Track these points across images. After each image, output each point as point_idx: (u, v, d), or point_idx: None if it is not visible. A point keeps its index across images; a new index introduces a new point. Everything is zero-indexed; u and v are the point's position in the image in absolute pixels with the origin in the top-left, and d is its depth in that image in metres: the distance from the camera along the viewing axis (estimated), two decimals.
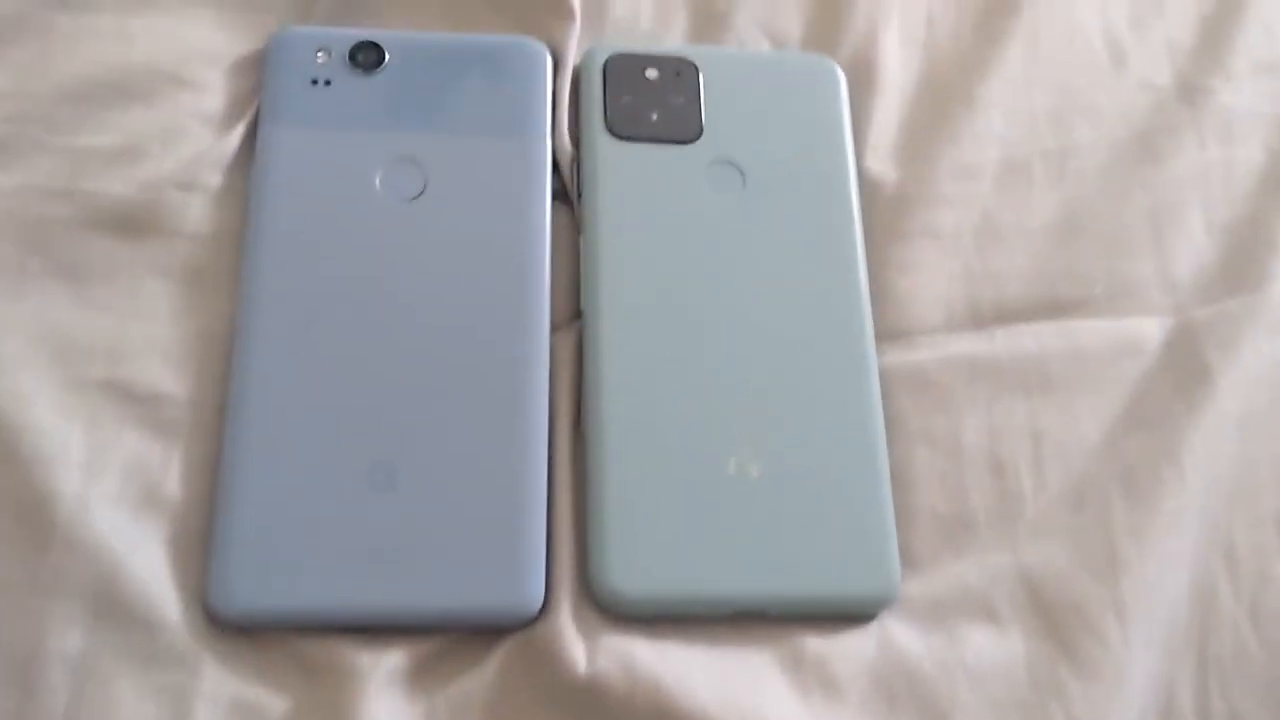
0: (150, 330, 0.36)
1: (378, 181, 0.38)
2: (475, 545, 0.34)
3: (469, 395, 0.36)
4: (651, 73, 0.41)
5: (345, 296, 0.36)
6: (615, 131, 0.40)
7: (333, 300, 0.36)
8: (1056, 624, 0.36)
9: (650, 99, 0.41)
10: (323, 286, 0.36)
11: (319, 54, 0.40)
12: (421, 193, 0.38)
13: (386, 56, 0.40)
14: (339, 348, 0.36)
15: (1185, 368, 0.40)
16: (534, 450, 0.36)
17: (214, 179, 0.38)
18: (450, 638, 0.34)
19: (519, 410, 0.36)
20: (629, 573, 0.34)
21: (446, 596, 0.33)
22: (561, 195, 0.40)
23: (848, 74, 0.44)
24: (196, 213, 0.38)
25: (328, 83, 0.39)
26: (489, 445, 0.35)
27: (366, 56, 0.40)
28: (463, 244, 0.38)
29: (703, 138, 0.40)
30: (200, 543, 0.34)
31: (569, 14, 0.42)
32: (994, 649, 0.36)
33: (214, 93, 0.40)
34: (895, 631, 0.36)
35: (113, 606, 0.32)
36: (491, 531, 0.34)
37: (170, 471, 0.34)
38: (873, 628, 0.36)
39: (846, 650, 0.35)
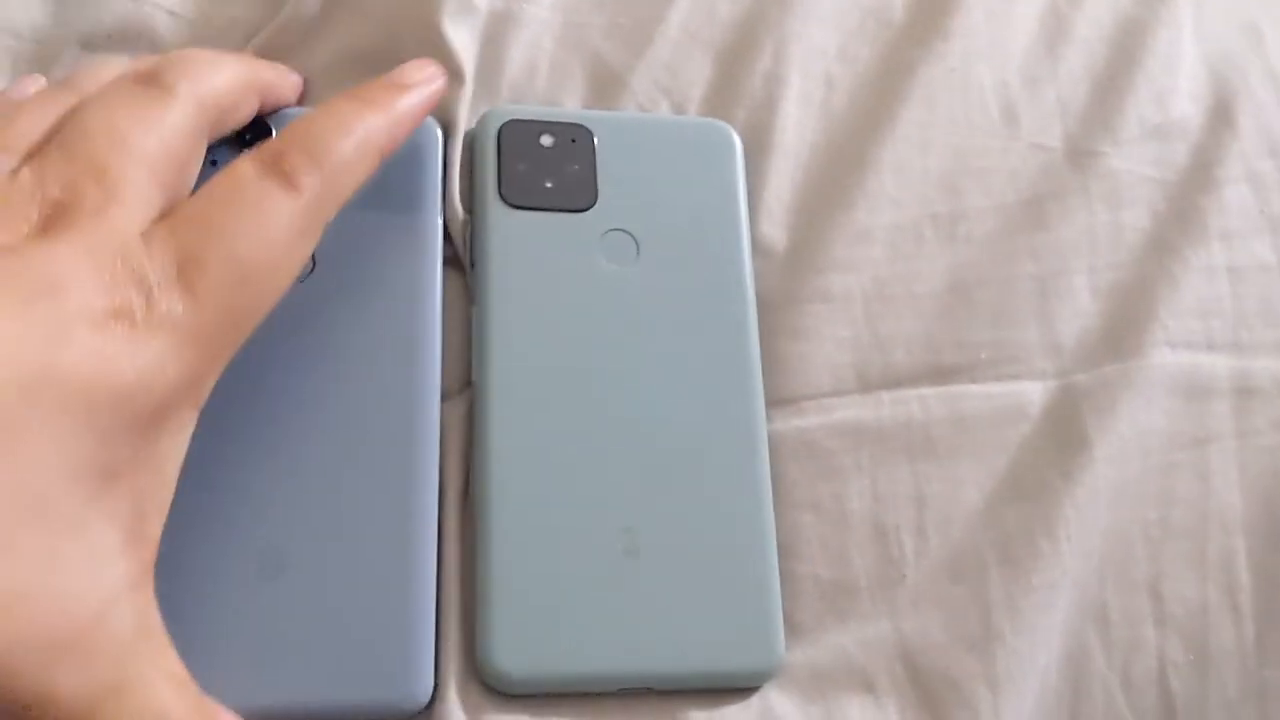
0: None
1: None
2: (365, 635, 0.34)
3: (359, 475, 0.36)
4: (546, 139, 0.41)
5: (237, 377, 0.36)
6: (509, 200, 0.40)
7: (223, 381, 0.36)
8: (931, 696, 0.37)
9: (545, 166, 0.41)
10: None
11: None
12: (309, 273, 0.38)
13: (272, 130, 0.39)
14: (229, 432, 0.36)
15: (1064, 435, 0.42)
16: (423, 533, 0.36)
17: None
18: None
19: (408, 489, 0.36)
20: (514, 653, 0.35)
21: (335, 690, 0.34)
22: (453, 261, 0.41)
23: (744, 136, 0.44)
24: None
25: (214, 163, 0.37)
26: (378, 529, 0.35)
27: (253, 132, 0.39)
28: (353, 321, 0.38)
29: (597, 206, 0.41)
30: None
31: (459, 77, 0.42)
32: None
33: None
34: (776, 703, 0.37)
35: None
36: (381, 621, 0.34)
37: None
38: (755, 700, 0.37)
39: None
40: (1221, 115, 0.49)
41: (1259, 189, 0.47)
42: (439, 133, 0.41)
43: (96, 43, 0.41)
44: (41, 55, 0.41)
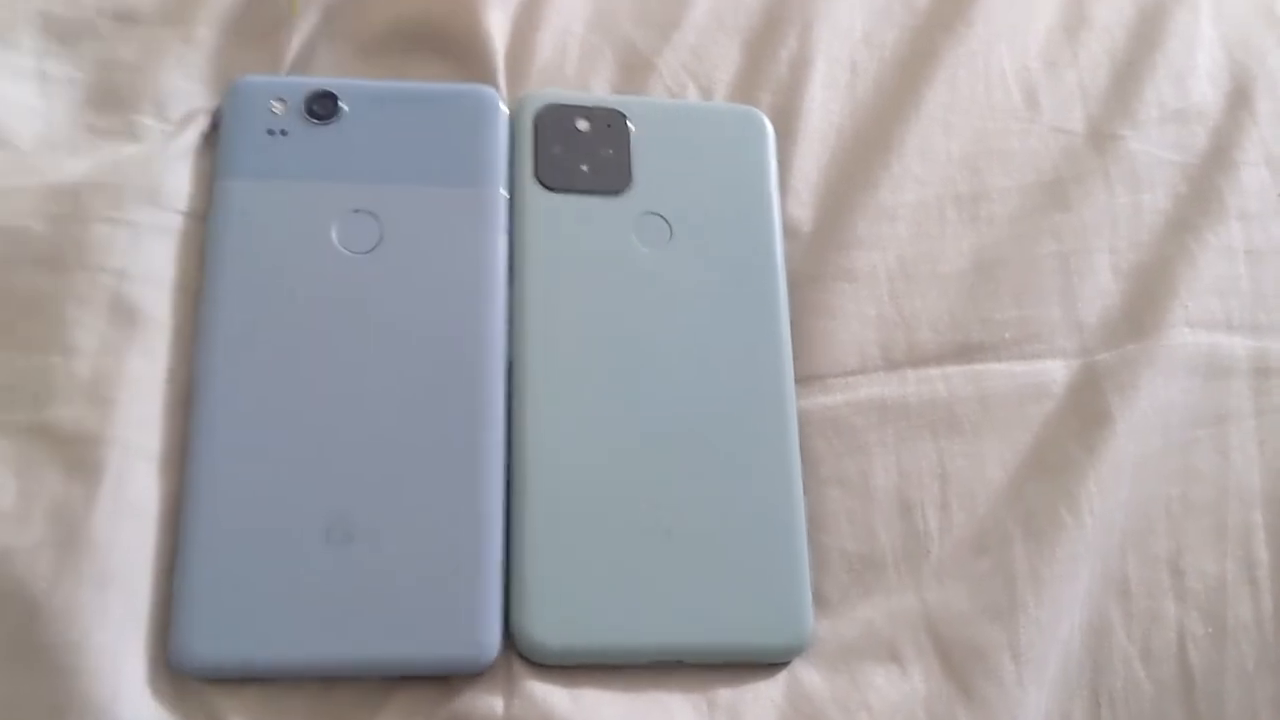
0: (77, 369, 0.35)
1: (334, 233, 0.39)
2: (433, 594, 0.35)
3: (425, 446, 0.37)
4: (582, 123, 0.42)
5: (302, 348, 0.37)
6: (545, 183, 0.41)
7: (289, 352, 0.37)
8: (956, 665, 0.38)
9: (580, 150, 0.42)
10: (280, 338, 0.37)
11: (275, 103, 0.40)
12: (378, 244, 0.39)
13: (342, 106, 0.40)
14: (295, 400, 0.36)
15: (1087, 412, 0.42)
16: (490, 496, 0.37)
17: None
18: (358, 681, 0.35)
19: (474, 461, 0.37)
20: (550, 623, 0.36)
21: (403, 646, 0.35)
22: None
23: (772, 119, 0.45)
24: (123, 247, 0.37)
25: (284, 133, 0.40)
26: (447, 492, 0.36)
27: (323, 106, 0.40)
28: (419, 295, 0.38)
29: (631, 189, 0.41)
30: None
31: (491, 65, 0.43)
32: (896, 690, 0.38)
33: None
34: (803, 675, 0.37)
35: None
36: (449, 581, 0.35)
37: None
38: (782, 673, 0.37)
39: (757, 695, 0.37)
40: (1240, 99, 0.49)
41: (1277, 172, 0.48)
42: (503, 107, 0.42)
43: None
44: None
